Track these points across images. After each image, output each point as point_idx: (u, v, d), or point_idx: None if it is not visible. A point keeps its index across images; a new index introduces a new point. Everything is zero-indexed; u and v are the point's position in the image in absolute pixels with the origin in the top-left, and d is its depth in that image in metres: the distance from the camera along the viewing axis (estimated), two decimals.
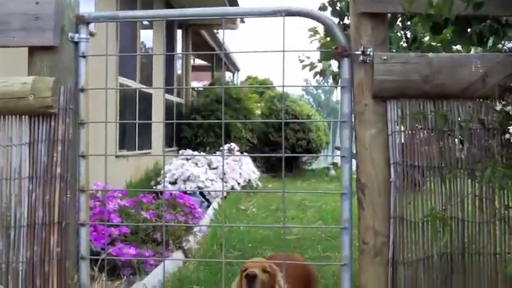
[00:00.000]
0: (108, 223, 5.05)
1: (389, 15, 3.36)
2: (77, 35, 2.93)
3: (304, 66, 4.64)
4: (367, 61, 2.73)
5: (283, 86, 2.85)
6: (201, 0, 13.35)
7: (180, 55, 15.47)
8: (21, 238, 2.83)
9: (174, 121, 14.30)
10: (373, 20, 2.78)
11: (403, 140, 2.75)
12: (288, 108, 17.78)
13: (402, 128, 2.75)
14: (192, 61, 19.47)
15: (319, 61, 4.73)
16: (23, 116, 2.87)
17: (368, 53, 2.73)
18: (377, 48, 2.76)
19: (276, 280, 3.19)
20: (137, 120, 10.59)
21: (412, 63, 2.72)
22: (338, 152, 2.83)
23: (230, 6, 13.79)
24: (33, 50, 2.92)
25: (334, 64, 4.54)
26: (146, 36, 11.79)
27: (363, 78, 2.76)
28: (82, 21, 2.95)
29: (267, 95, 19.22)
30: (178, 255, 5.74)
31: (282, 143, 16.86)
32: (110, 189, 5.81)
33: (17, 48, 2.99)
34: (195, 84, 21.63)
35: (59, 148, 2.85)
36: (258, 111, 18.03)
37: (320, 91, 57.89)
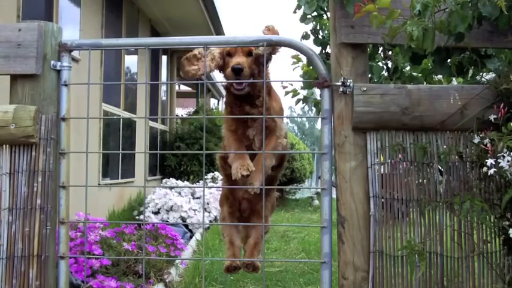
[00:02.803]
0: (88, 255, 4.99)
1: (370, 45, 3.40)
2: (59, 63, 2.91)
3: (286, 93, 4.65)
4: (347, 92, 2.75)
5: (264, 117, 2.85)
6: (186, 27, 13.66)
7: (166, 81, 15.46)
8: (0, 271, 2.79)
9: (158, 151, 14.28)
10: (353, 51, 2.80)
11: (382, 172, 2.75)
12: None
13: (382, 160, 2.75)
14: (177, 87, 19.49)
15: (302, 88, 4.75)
16: (4, 145, 2.84)
17: (348, 84, 2.74)
18: (357, 79, 2.78)
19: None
20: (120, 150, 10.55)
21: (392, 95, 2.73)
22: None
23: (215, 33, 13.91)
24: (15, 78, 2.90)
25: (317, 91, 4.56)
26: (131, 62, 11.80)
27: (343, 109, 2.78)
28: (65, 48, 2.93)
29: None
30: None
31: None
32: (91, 221, 5.76)
33: None
34: (179, 110, 21.61)
35: (40, 179, 2.83)
36: None
37: (304, 119, 58.02)
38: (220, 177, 12.02)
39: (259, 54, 3.05)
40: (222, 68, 3.28)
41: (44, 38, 2.86)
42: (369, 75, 3.60)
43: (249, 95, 3.19)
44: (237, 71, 3.09)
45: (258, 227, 3.53)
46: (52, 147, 2.86)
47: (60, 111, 2.91)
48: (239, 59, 3.12)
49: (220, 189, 3.74)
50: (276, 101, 3.36)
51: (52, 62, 2.89)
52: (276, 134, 3.28)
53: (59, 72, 2.92)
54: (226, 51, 3.22)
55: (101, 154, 9.43)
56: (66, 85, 2.92)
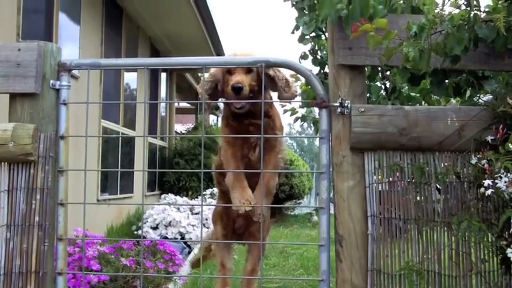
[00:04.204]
0: (86, 271, 4.99)
1: (369, 67, 3.41)
2: (58, 82, 2.93)
3: (285, 111, 4.66)
4: (345, 113, 2.76)
5: (262, 136, 2.86)
6: (186, 45, 13.71)
7: (165, 97, 15.48)
8: None
9: (156, 170, 14.25)
10: (351, 72, 2.82)
11: (380, 192, 2.76)
12: None
13: (380, 180, 2.76)
14: (176, 104, 19.52)
15: (301, 107, 4.76)
16: (3, 163, 2.85)
17: (346, 104, 2.76)
18: (355, 100, 2.79)
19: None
20: (119, 166, 10.54)
21: (389, 116, 2.75)
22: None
23: (215, 53, 13.95)
24: (14, 97, 2.92)
25: (315, 109, 4.57)
26: (130, 79, 11.81)
27: (340, 129, 2.79)
28: (64, 68, 2.95)
29: None
30: None
31: None
32: (89, 237, 5.76)
33: None
34: (179, 127, 21.62)
35: (38, 196, 2.84)
36: None
37: (303, 135, 58.05)
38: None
39: (278, 78, 3.10)
40: (222, 86, 3.29)
41: (43, 57, 2.88)
42: (367, 95, 3.62)
43: (249, 111, 3.20)
44: (237, 90, 3.11)
45: (254, 250, 3.50)
46: (50, 165, 2.87)
47: (59, 130, 2.93)
48: (239, 77, 3.13)
49: None
50: (277, 116, 3.37)
51: (51, 82, 2.91)
52: (276, 150, 3.29)
53: (58, 91, 2.94)
54: (226, 68, 3.22)
55: (100, 170, 9.43)
56: (65, 104, 2.94)
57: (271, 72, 3.16)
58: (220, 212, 3.60)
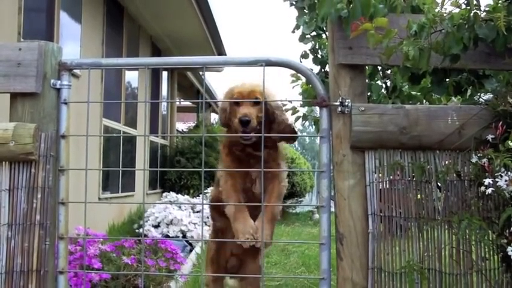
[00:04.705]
0: (87, 270, 5.00)
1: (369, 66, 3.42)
2: (59, 81, 2.94)
3: (286, 111, 4.66)
4: (346, 112, 2.77)
5: (263, 136, 2.87)
6: (187, 44, 13.71)
7: (166, 96, 15.48)
8: None
9: (158, 169, 14.26)
10: (351, 71, 2.82)
11: (381, 188, 2.76)
12: None
13: (380, 179, 2.77)
14: (177, 102, 19.53)
15: (301, 106, 4.76)
16: (4, 162, 2.86)
17: (346, 104, 2.76)
18: (355, 99, 2.79)
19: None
20: (121, 164, 10.53)
21: (390, 115, 2.75)
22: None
23: (216, 51, 13.94)
24: (15, 96, 2.92)
25: (316, 109, 4.57)
26: (132, 77, 11.81)
27: (341, 128, 2.80)
28: (65, 68, 2.96)
29: None
30: None
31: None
32: (90, 236, 5.76)
33: None
34: (180, 125, 21.63)
35: (39, 195, 2.84)
36: None
37: (304, 134, 57.94)
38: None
39: (269, 105, 3.11)
40: (229, 116, 3.29)
41: (44, 57, 2.89)
42: (368, 94, 3.62)
43: (255, 142, 3.19)
44: (245, 123, 3.10)
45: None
46: (51, 164, 2.87)
47: (60, 129, 2.93)
48: (246, 110, 3.13)
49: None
50: (279, 146, 3.36)
51: (52, 81, 2.92)
52: (278, 179, 3.27)
53: (58, 90, 2.94)
54: (233, 98, 3.22)
55: (101, 167, 9.43)
56: (65, 103, 2.94)
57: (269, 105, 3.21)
58: (213, 256, 3.54)
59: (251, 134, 3.12)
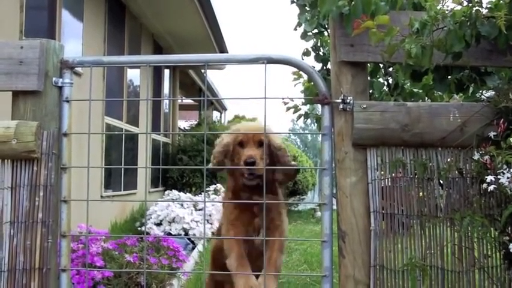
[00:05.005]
0: (90, 268, 5.00)
1: (371, 63, 3.41)
2: (60, 79, 2.94)
3: (288, 109, 4.65)
4: (347, 109, 2.77)
5: (265, 133, 2.87)
6: (189, 42, 13.71)
7: (168, 94, 15.48)
8: (1, 283, 2.80)
9: (160, 167, 14.27)
10: (353, 69, 2.82)
11: (383, 186, 2.76)
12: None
13: (382, 176, 2.77)
14: (179, 100, 19.54)
15: (303, 104, 4.75)
16: (6, 160, 2.86)
17: (348, 101, 2.76)
18: (357, 96, 2.79)
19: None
20: (123, 162, 10.55)
21: (391, 112, 2.75)
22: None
23: (218, 49, 13.93)
24: (17, 94, 2.92)
25: (318, 106, 4.56)
26: (133, 75, 11.82)
27: (343, 126, 2.79)
28: (66, 65, 2.96)
29: None
30: None
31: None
32: (93, 233, 5.77)
33: (0, 92, 2.99)
34: (182, 123, 21.64)
35: (41, 193, 2.84)
36: None
37: (306, 131, 58.06)
38: (223, 189, 11.98)
39: (273, 146, 3.16)
40: (231, 157, 3.30)
41: (45, 55, 2.89)
42: (370, 91, 3.62)
43: (258, 185, 3.18)
44: (250, 165, 3.12)
45: None
46: (53, 162, 2.88)
47: (62, 127, 2.94)
48: (251, 152, 3.14)
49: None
50: (281, 195, 3.39)
51: (54, 79, 2.92)
52: (280, 230, 3.28)
53: (60, 88, 2.94)
54: (237, 141, 3.24)
55: (103, 167, 9.44)
56: (67, 101, 2.95)
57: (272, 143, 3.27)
58: None
59: (255, 166, 3.13)
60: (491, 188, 2.49)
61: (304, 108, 4.79)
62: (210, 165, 3.29)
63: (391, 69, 3.97)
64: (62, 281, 2.92)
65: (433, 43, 2.53)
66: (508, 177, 2.47)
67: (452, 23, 2.52)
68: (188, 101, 23.70)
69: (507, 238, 2.55)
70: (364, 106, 2.75)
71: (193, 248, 9.03)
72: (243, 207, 3.25)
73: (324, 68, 4.37)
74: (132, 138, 11.46)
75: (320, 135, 2.86)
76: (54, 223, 2.87)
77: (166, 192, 12.87)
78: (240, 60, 2.96)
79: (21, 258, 2.81)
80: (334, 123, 2.83)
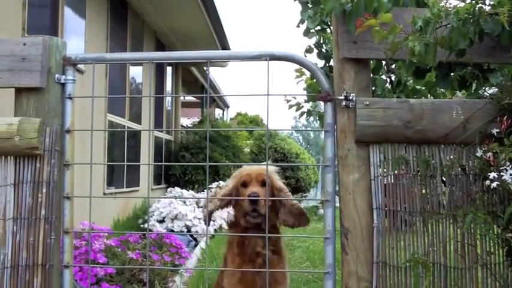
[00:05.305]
0: (92, 264, 5.02)
1: (373, 60, 3.41)
2: (63, 76, 2.94)
3: (290, 106, 4.64)
4: (350, 106, 2.76)
5: (267, 130, 2.87)
6: (191, 39, 13.71)
7: (170, 91, 15.48)
8: (5, 279, 2.80)
9: (162, 163, 14.27)
10: (356, 66, 2.81)
11: (386, 185, 2.76)
12: (277, 146, 17.83)
13: (385, 173, 2.76)
14: (181, 97, 19.55)
15: (306, 101, 4.75)
16: (9, 157, 2.86)
17: (351, 98, 2.76)
18: (360, 93, 2.79)
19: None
20: (125, 159, 10.55)
21: (394, 109, 2.75)
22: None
23: (221, 46, 13.93)
24: (20, 91, 2.92)
25: (321, 104, 4.53)
26: (136, 72, 11.82)
27: (345, 122, 2.79)
28: (69, 62, 2.96)
29: (256, 132, 19.31)
30: None
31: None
32: (96, 230, 5.78)
33: (3, 89, 3.00)
34: (184, 120, 21.66)
35: (44, 190, 2.85)
36: (247, 149, 18.06)
37: (309, 128, 58.02)
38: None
39: (275, 187, 3.24)
40: (235, 202, 3.36)
41: (48, 52, 2.89)
42: (373, 88, 3.61)
43: (261, 228, 3.20)
44: (254, 201, 3.16)
45: None
46: (56, 158, 2.88)
47: (65, 124, 2.94)
48: (255, 189, 3.19)
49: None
50: (284, 249, 3.53)
51: (56, 76, 2.92)
52: (283, 287, 3.35)
53: (63, 85, 2.94)
54: (241, 182, 3.31)
55: (106, 164, 9.45)
56: (70, 98, 2.95)
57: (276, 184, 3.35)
58: None
59: (259, 197, 3.20)
60: (494, 184, 2.49)
61: (307, 106, 4.79)
62: (210, 206, 3.31)
63: (393, 66, 3.96)
64: (65, 277, 2.92)
65: (436, 41, 2.52)
66: (510, 174, 2.46)
67: (456, 20, 2.52)
68: (190, 98, 23.73)
69: (510, 235, 2.55)
70: (367, 103, 2.75)
71: (195, 245, 9.04)
72: (246, 260, 3.30)
73: (327, 65, 4.36)
74: (135, 136, 11.46)
75: (323, 132, 2.86)
76: (57, 219, 2.87)
77: (168, 189, 12.89)
78: (242, 57, 2.96)
79: (24, 254, 2.81)
80: (336, 120, 2.83)
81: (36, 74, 2.86)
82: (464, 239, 2.67)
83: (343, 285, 2.79)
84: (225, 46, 14.52)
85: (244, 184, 3.30)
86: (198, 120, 20.03)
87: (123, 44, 10.71)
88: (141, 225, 10.25)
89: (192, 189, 13.32)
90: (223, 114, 27.24)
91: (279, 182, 3.43)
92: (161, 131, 14.10)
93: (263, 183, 3.27)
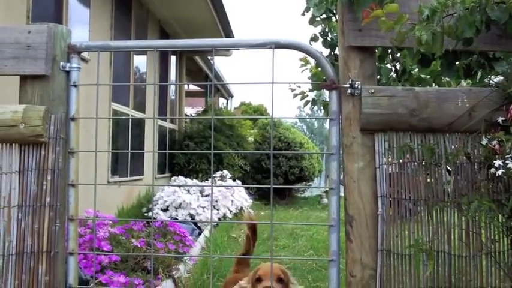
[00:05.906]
0: (97, 252, 5.03)
1: (379, 48, 3.40)
2: (68, 64, 2.94)
3: (295, 95, 4.64)
4: (355, 94, 2.76)
5: (272, 118, 2.87)
6: (195, 28, 13.69)
7: (175, 81, 15.47)
8: (10, 266, 2.81)
9: (166, 151, 14.30)
10: (361, 54, 2.81)
11: (390, 172, 2.76)
12: (281, 136, 17.84)
13: (390, 161, 2.76)
14: (186, 87, 19.54)
15: (310, 90, 4.74)
16: (13, 144, 2.87)
17: (356, 86, 2.75)
18: (365, 81, 2.79)
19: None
20: (129, 148, 10.56)
21: (399, 97, 2.74)
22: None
23: (225, 35, 13.91)
24: (24, 79, 2.92)
25: (325, 93, 4.53)
26: (140, 61, 11.81)
27: (350, 111, 2.79)
28: (74, 50, 2.96)
29: (260, 122, 19.31)
30: (169, 284, 5.71)
31: (275, 170, 17.08)
32: (100, 218, 5.80)
33: (8, 76, 3.00)
34: (188, 110, 21.66)
35: (49, 177, 2.85)
36: (251, 138, 18.08)
37: (313, 117, 57.98)
38: (229, 175, 11.98)
39: (291, 283, 3.29)
40: None
41: (53, 39, 2.89)
42: (378, 77, 3.61)
43: None
44: None
45: None
46: (61, 146, 2.88)
47: (69, 111, 2.94)
48: (269, 284, 3.21)
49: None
50: None
51: (61, 63, 2.92)
52: None
53: (68, 73, 2.94)
54: (256, 277, 3.34)
55: (110, 152, 9.47)
56: (75, 86, 2.95)
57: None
58: None
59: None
60: (499, 172, 2.48)
61: (312, 95, 4.78)
62: None
63: (398, 54, 3.95)
64: (70, 264, 2.94)
65: (443, 30, 2.51)
66: None
67: (463, 9, 2.50)
68: (195, 88, 23.72)
69: None
70: (372, 91, 2.74)
71: (199, 234, 9.08)
72: None
73: (332, 53, 4.35)
74: (139, 125, 11.47)
75: (327, 121, 2.86)
76: (62, 207, 2.88)
77: (173, 178, 12.92)
78: (247, 45, 2.96)
79: (29, 241, 2.82)
80: (341, 108, 2.82)
81: (41, 62, 2.86)
82: (469, 227, 2.67)
83: (347, 273, 2.79)
84: (229, 35, 14.48)
85: (259, 279, 3.34)
86: (202, 109, 20.02)
87: (127, 33, 10.69)
88: (145, 214, 10.27)
89: (196, 178, 13.35)
90: (227, 103, 27.23)
91: (294, 280, 3.49)
92: (165, 119, 14.10)
93: (279, 279, 3.32)
